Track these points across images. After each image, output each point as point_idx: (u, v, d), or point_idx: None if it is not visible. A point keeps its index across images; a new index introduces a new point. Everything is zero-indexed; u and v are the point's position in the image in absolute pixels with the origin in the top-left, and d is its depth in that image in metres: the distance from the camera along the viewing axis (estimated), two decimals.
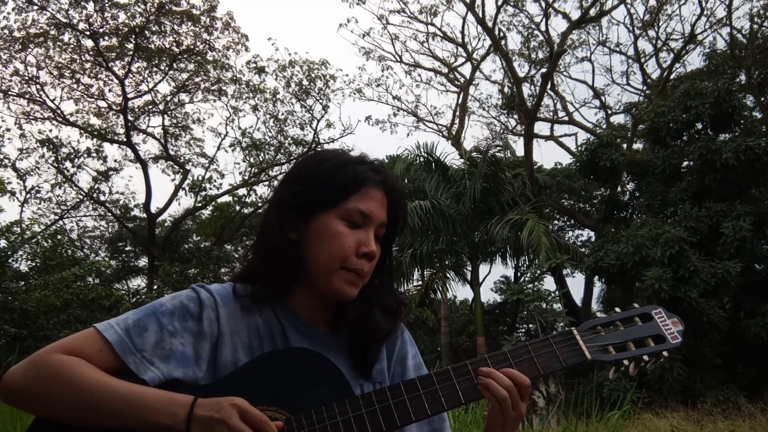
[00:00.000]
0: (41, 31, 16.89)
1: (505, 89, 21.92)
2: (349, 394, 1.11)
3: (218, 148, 19.62)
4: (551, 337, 1.20)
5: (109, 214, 20.26)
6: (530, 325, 25.42)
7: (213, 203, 20.78)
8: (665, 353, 1.21)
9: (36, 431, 1.08)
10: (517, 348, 1.18)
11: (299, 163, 1.29)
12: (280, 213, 1.21)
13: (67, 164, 17.83)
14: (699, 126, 15.51)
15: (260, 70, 18.49)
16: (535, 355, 1.17)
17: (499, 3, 19.33)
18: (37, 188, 18.54)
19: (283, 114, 19.13)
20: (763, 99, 18.49)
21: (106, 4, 16.72)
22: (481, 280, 18.26)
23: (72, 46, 17.41)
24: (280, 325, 1.20)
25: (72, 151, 17.72)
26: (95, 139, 17.87)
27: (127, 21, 17.09)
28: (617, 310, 1.26)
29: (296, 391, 1.10)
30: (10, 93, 17.56)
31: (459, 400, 1.13)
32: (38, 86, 17.76)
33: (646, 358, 1.20)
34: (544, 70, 19.29)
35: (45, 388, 1.04)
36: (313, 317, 1.23)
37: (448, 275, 18.48)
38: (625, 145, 19.06)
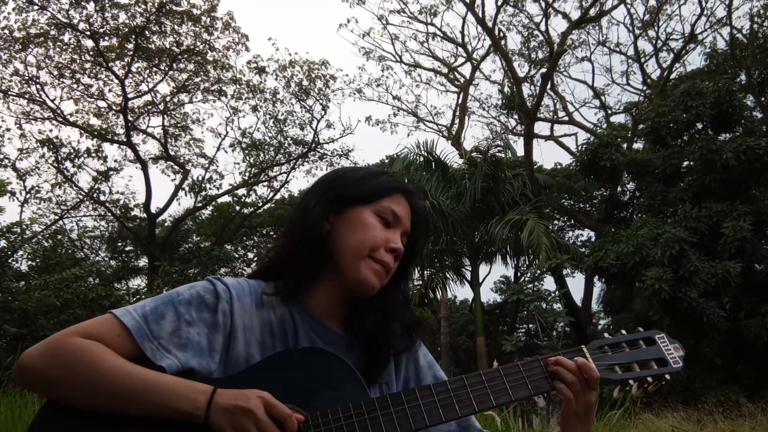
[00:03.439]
0: (41, 31, 16.88)
1: (505, 89, 21.91)
2: (364, 396, 1.12)
3: (218, 149, 19.65)
4: (563, 353, 1.24)
5: (109, 214, 20.24)
6: (530, 325, 25.43)
7: (213, 203, 20.78)
8: (667, 376, 1.26)
9: (47, 415, 1.08)
10: (529, 362, 1.22)
11: (335, 169, 1.39)
12: (321, 202, 1.25)
13: (67, 164, 17.82)
14: (699, 126, 15.50)
15: (261, 71, 18.48)
16: (547, 369, 1.22)
17: (499, 3, 19.33)
18: (37, 188, 18.53)
19: (282, 114, 19.15)
20: (763, 99, 18.48)
21: (106, 4, 16.71)
22: (481, 280, 18.27)
23: (72, 46, 17.41)
24: (293, 322, 1.21)
25: (72, 151, 17.71)
26: (95, 139, 17.87)
27: (127, 21, 17.10)
28: (623, 332, 1.32)
29: (311, 391, 1.11)
30: (10, 93, 17.56)
31: (472, 407, 1.16)
32: (38, 86, 17.77)
33: (649, 379, 1.26)
34: (544, 70, 19.28)
35: (63, 371, 1.04)
36: (327, 315, 1.24)
37: (447, 275, 18.47)
38: (625, 145, 19.06)
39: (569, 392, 1.18)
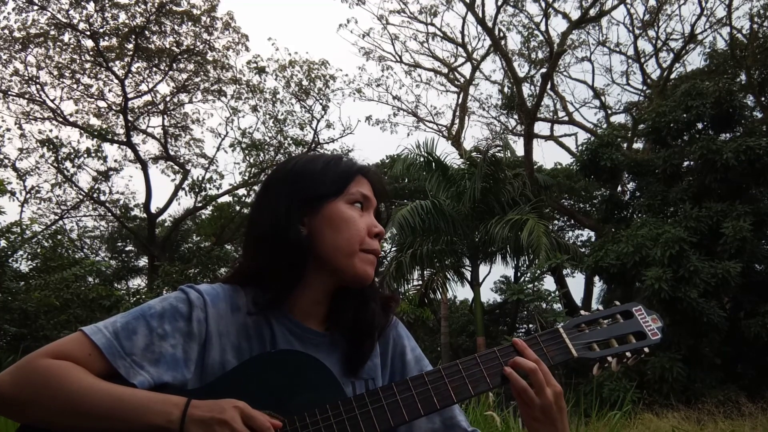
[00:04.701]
0: (41, 31, 16.89)
1: (505, 89, 21.92)
2: (341, 396, 1.10)
3: (218, 149, 19.65)
4: (538, 335, 1.20)
5: (109, 214, 20.25)
6: (530, 325, 25.43)
7: (213, 203, 20.78)
8: (646, 349, 1.23)
9: None
10: (506, 347, 1.18)
11: (287, 165, 1.27)
12: (292, 206, 1.19)
13: (67, 164, 17.80)
14: (700, 126, 15.50)
15: (261, 71, 18.48)
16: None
17: (499, 3, 19.34)
18: (37, 188, 18.53)
19: (282, 114, 19.15)
20: (763, 99, 18.49)
21: (106, 4, 16.72)
22: (481, 280, 18.26)
23: (72, 46, 17.42)
24: (270, 325, 1.18)
25: (72, 151, 17.69)
26: (95, 139, 17.87)
27: (127, 21, 17.11)
28: (600, 308, 1.28)
29: (288, 395, 1.09)
30: (10, 93, 17.57)
31: (451, 399, 1.13)
32: (38, 86, 17.78)
33: (628, 354, 1.22)
34: (544, 70, 19.29)
35: (35, 393, 1.02)
36: (306, 316, 1.21)
37: (448, 275, 18.47)
38: (625, 145, 19.07)
39: (523, 396, 1.13)
